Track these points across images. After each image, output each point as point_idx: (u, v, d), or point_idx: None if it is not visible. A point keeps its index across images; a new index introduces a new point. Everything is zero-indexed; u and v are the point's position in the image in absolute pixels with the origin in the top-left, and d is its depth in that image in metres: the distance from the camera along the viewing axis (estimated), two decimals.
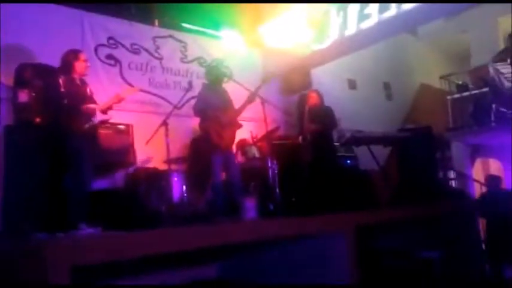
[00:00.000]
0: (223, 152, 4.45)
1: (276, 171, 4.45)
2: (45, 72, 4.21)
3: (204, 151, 4.52)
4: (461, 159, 6.25)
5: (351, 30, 6.15)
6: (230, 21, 6.46)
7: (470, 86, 6.79)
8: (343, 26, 6.23)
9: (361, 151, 5.72)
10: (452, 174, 6.28)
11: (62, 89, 3.53)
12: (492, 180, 6.06)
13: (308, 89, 6.09)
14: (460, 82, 7.06)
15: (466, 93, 6.67)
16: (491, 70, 6.45)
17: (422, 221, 4.14)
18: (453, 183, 6.28)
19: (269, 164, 4.52)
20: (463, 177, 6.02)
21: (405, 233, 3.98)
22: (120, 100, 3.92)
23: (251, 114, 5.22)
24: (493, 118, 5.89)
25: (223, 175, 4.57)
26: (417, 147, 5.13)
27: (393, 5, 5.65)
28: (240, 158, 5.46)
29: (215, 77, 4.71)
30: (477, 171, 6.92)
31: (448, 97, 7.03)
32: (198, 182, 4.76)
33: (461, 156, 6.26)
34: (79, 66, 3.70)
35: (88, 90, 3.79)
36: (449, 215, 4.22)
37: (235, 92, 4.79)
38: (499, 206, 5.23)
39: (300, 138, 5.32)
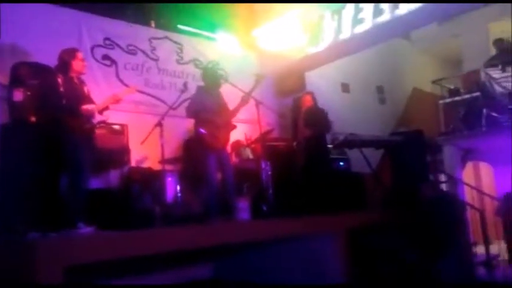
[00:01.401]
0: (217, 152, 4.47)
1: (269, 173, 4.49)
2: (41, 71, 4.21)
3: (198, 152, 4.55)
4: (453, 162, 6.31)
5: (346, 34, 6.22)
6: (225, 23, 6.50)
7: (462, 90, 6.86)
8: (337, 30, 6.30)
9: (354, 154, 5.78)
10: (443, 177, 6.32)
11: (61, 89, 3.52)
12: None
13: (302, 91, 6.14)
14: (452, 87, 7.11)
15: (457, 98, 6.72)
16: (482, 75, 6.53)
17: (412, 223, 4.21)
18: (444, 186, 6.34)
19: (263, 166, 4.56)
20: (454, 180, 6.06)
21: (396, 234, 4.04)
22: (117, 100, 3.93)
23: (245, 116, 5.26)
24: (483, 122, 5.95)
25: (219, 176, 4.60)
26: (409, 150, 5.20)
27: (387, 10, 5.73)
28: (234, 159, 5.50)
29: (213, 79, 4.73)
30: (468, 174, 7.02)
31: (440, 101, 7.09)
32: (192, 183, 4.79)
33: (453, 159, 6.33)
34: (76, 65, 3.68)
35: (86, 89, 3.78)
36: (438, 218, 4.29)
37: (230, 94, 4.82)
38: None
39: (295, 144, 5.37)
